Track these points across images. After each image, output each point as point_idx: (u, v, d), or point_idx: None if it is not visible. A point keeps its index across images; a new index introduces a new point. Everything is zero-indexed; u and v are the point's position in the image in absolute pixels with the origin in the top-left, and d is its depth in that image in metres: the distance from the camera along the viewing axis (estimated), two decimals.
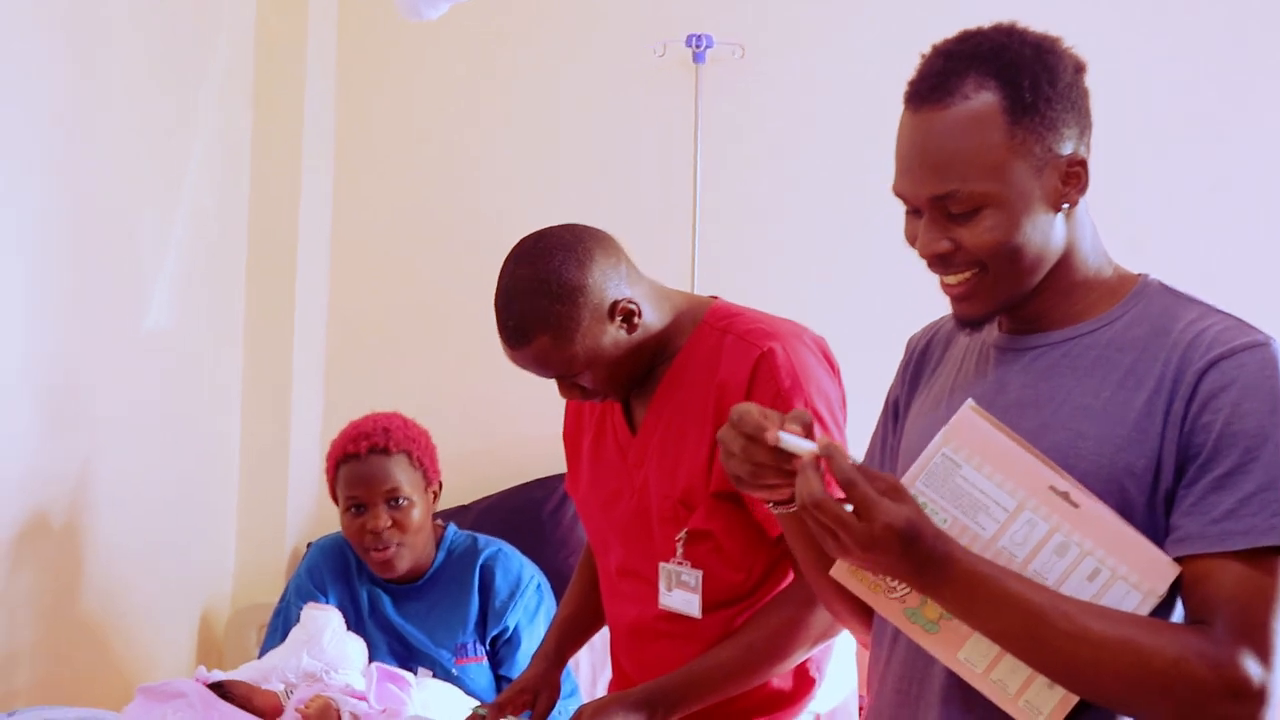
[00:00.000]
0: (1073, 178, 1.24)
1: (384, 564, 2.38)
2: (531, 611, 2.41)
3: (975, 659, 1.22)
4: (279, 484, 3.16)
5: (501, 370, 1.91)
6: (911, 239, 1.27)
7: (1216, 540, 1.15)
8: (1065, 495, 1.19)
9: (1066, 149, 1.23)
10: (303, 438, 3.19)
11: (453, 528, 2.50)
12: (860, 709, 1.84)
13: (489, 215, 3.18)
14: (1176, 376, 1.19)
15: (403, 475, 2.37)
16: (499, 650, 2.41)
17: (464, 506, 3.08)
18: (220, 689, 2.11)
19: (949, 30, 1.29)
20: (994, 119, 1.21)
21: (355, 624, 2.37)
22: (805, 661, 1.74)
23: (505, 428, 3.16)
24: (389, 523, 2.35)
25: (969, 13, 1.45)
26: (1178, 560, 1.17)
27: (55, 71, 2.47)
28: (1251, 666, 1.12)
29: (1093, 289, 1.28)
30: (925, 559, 1.15)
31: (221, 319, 3.10)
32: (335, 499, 2.43)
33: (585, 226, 1.75)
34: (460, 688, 2.31)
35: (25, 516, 2.44)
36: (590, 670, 2.74)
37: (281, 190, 3.16)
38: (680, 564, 1.73)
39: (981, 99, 1.21)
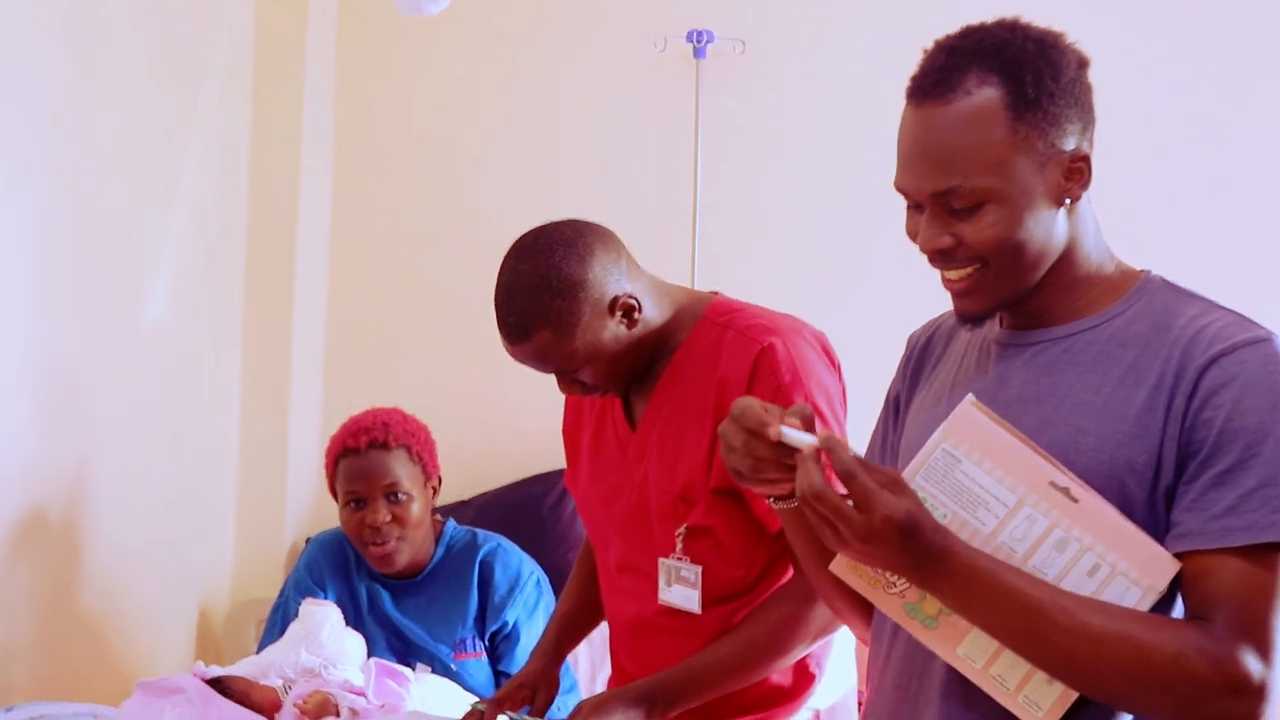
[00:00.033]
0: (1075, 173, 1.23)
1: (383, 559, 2.37)
2: (530, 607, 2.41)
3: (974, 654, 1.21)
4: (278, 479, 3.16)
5: (501, 366, 1.91)
6: (913, 234, 1.27)
7: (1217, 536, 1.15)
8: (1065, 491, 1.19)
9: (1069, 144, 1.23)
10: (301, 433, 3.19)
11: (452, 523, 2.50)
12: (859, 705, 1.84)
13: (488, 211, 3.18)
14: (1178, 372, 1.19)
15: (402, 470, 2.36)
16: (498, 646, 2.40)
17: (463, 502, 3.08)
18: (219, 684, 2.10)
19: (950, 26, 1.29)
20: (996, 114, 1.20)
21: (354, 619, 2.37)
22: (805, 657, 1.74)
23: (505, 423, 3.16)
24: (388, 517, 2.35)
25: (970, 9, 1.45)
26: (1178, 556, 1.17)
27: (55, 71, 2.47)
28: (1251, 663, 1.12)
29: (1095, 285, 1.27)
30: (924, 552, 1.15)
31: (221, 316, 3.10)
32: (334, 494, 2.42)
33: (586, 222, 1.74)
34: (459, 683, 2.31)
35: (24, 512, 2.44)
36: (589, 666, 2.74)
37: (281, 188, 3.16)
38: (680, 559, 1.73)
39: (984, 94, 1.21)
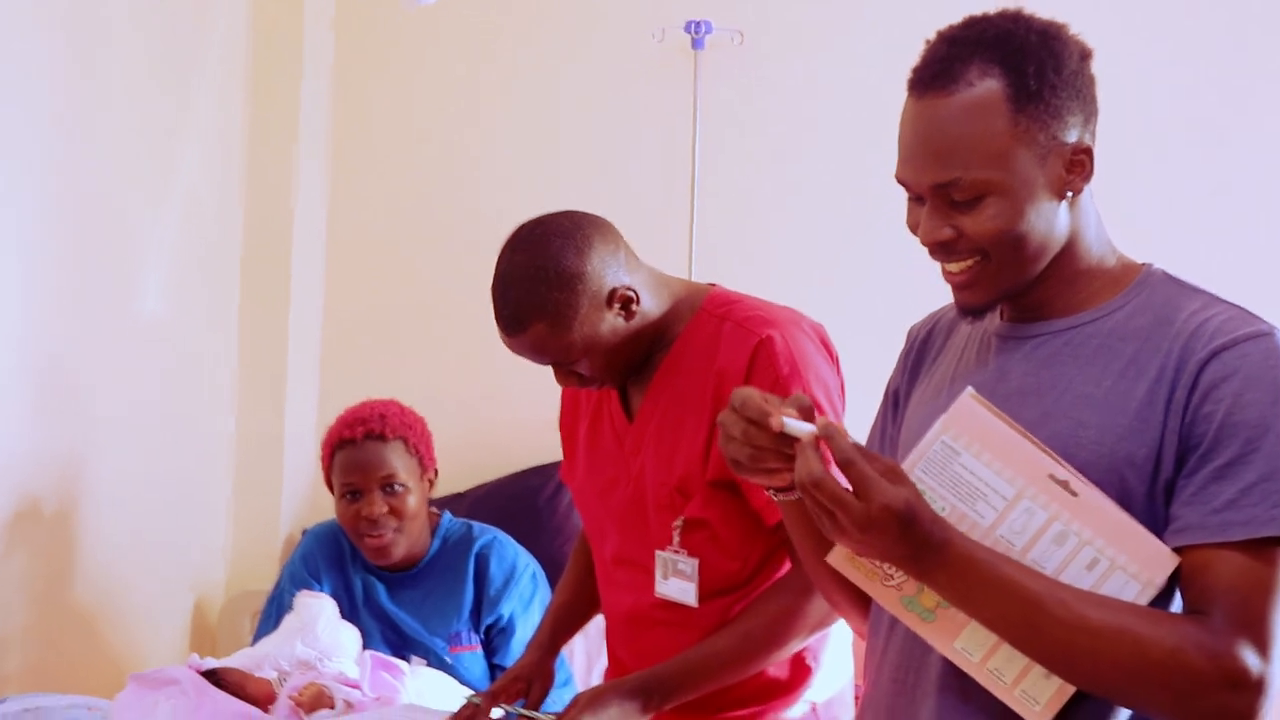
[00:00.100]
0: (1077, 166, 1.23)
1: (379, 550, 2.37)
2: (526, 600, 2.41)
3: (972, 648, 1.21)
4: (273, 471, 3.15)
5: (497, 358, 1.90)
6: (913, 226, 1.26)
7: (1217, 530, 1.15)
8: (1064, 484, 1.18)
9: (1071, 137, 1.22)
10: (298, 425, 3.18)
11: (448, 515, 2.49)
12: (856, 698, 1.84)
13: (485, 203, 3.17)
14: (1179, 366, 1.19)
15: (398, 462, 2.36)
16: (493, 639, 2.40)
17: (459, 494, 3.08)
18: (213, 676, 2.10)
19: (950, 15, 1.28)
20: (998, 106, 1.20)
21: (349, 612, 2.36)
22: (801, 650, 1.74)
23: (501, 415, 3.15)
24: (384, 509, 2.34)
25: (969, 0, 1.44)
26: (1177, 550, 1.17)
27: (52, 65, 2.46)
28: (1250, 658, 1.12)
29: (1096, 278, 1.27)
30: (922, 543, 1.15)
31: (217, 309, 3.09)
32: (330, 486, 2.42)
33: (584, 213, 1.74)
34: (454, 676, 2.30)
35: (19, 505, 2.44)
36: (585, 658, 2.74)
37: (277, 179, 3.16)
38: (677, 552, 1.73)
39: (985, 86, 1.20)
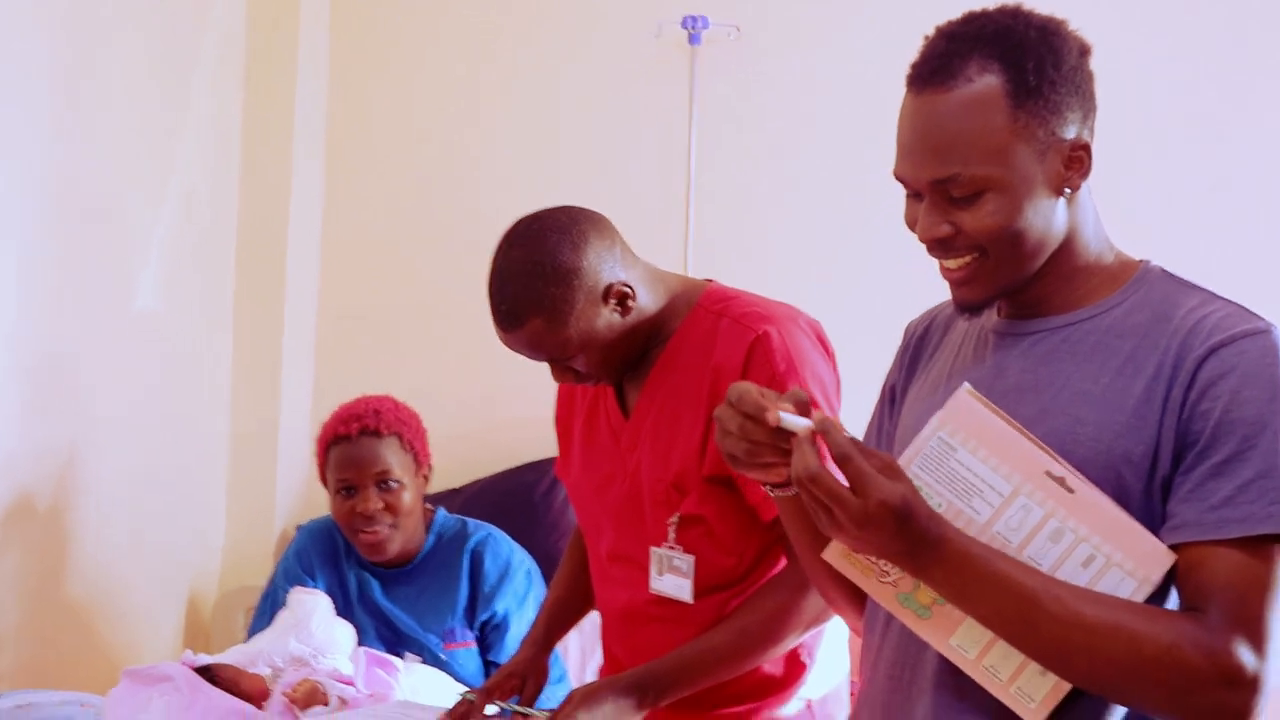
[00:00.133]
0: (1075, 162, 1.23)
1: (374, 547, 2.36)
2: (521, 596, 2.40)
3: (967, 645, 1.21)
4: (268, 466, 3.14)
5: (493, 353, 1.89)
6: (911, 222, 1.26)
7: (1213, 528, 1.15)
8: (1061, 481, 1.18)
9: (1070, 133, 1.22)
10: (292, 420, 3.18)
11: (442, 512, 2.49)
12: (851, 695, 1.84)
13: (481, 199, 3.17)
14: (1176, 363, 1.18)
15: (394, 458, 2.35)
16: (488, 635, 2.40)
17: (454, 490, 3.07)
18: (207, 673, 2.09)
19: (949, 10, 1.28)
20: (997, 102, 1.19)
21: (343, 608, 2.36)
22: (797, 647, 1.74)
23: (496, 411, 3.15)
24: (380, 505, 2.33)
25: None
26: (1173, 547, 1.17)
27: (50, 64, 2.45)
28: (1245, 655, 1.12)
29: (1094, 274, 1.27)
30: (919, 539, 1.14)
31: (212, 303, 3.08)
32: (325, 482, 2.41)
33: (580, 208, 1.73)
34: (449, 673, 2.30)
35: (11, 498, 2.43)
36: (579, 654, 2.74)
37: (272, 173, 3.15)
38: (672, 548, 1.73)
39: (985, 81, 1.20)
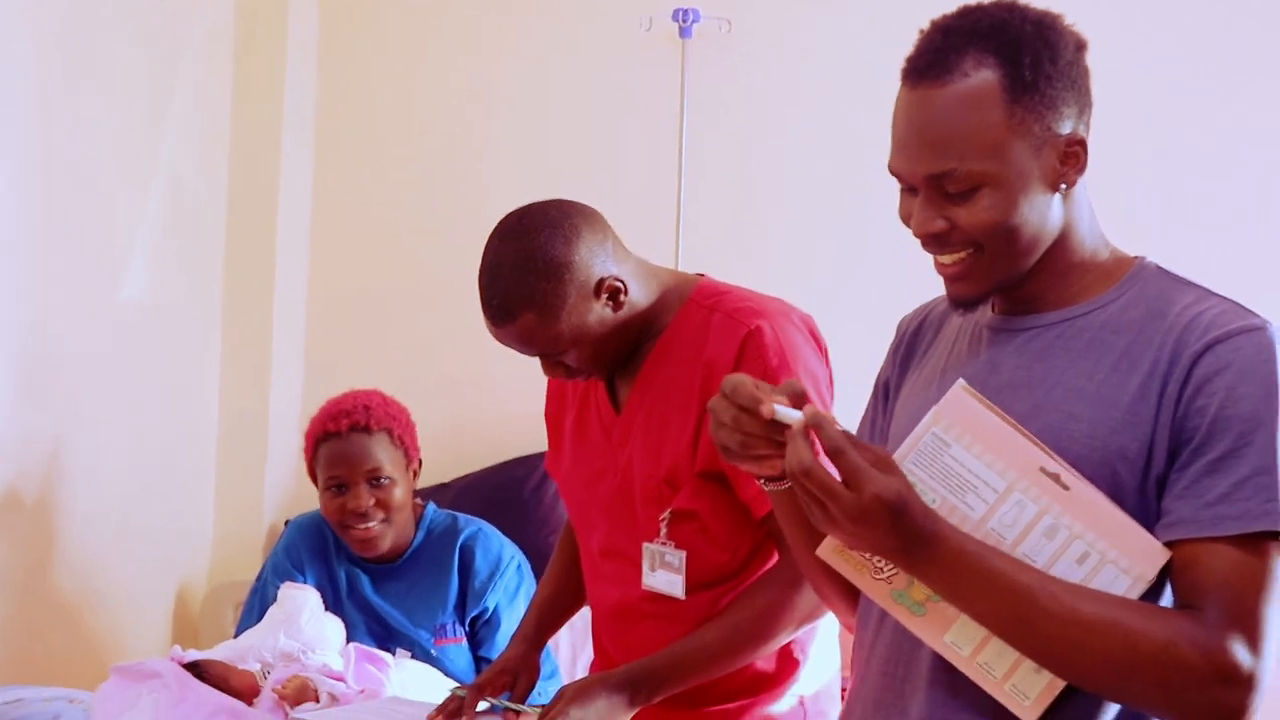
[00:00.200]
0: (1071, 157, 1.22)
1: (365, 543, 2.35)
2: (511, 592, 2.39)
3: (962, 642, 1.20)
4: (257, 460, 3.13)
5: (483, 346, 1.89)
6: (906, 218, 1.25)
7: (1209, 525, 1.14)
8: (1056, 477, 1.17)
9: (1066, 128, 1.21)
10: (282, 413, 3.16)
11: (432, 506, 2.48)
12: (843, 691, 1.83)
13: (471, 190, 3.16)
14: (1172, 360, 1.18)
15: (384, 454, 2.34)
16: (478, 631, 2.39)
17: (443, 484, 3.07)
18: (196, 669, 2.08)
19: (940, 4, 1.27)
20: (993, 97, 1.19)
21: (333, 604, 2.35)
22: (789, 644, 1.73)
23: (486, 405, 3.14)
24: (371, 502, 2.32)
25: None
26: (1168, 544, 1.16)
27: (36, 50, 2.43)
28: (1241, 653, 1.11)
29: (1089, 271, 1.26)
30: (913, 535, 1.14)
31: (200, 293, 3.07)
32: (313, 478, 2.40)
33: (572, 202, 1.72)
34: (439, 669, 2.29)
35: None
36: (570, 650, 2.73)
37: (262, 165, 3.14)
38: (664, 544, 1.72)
39: (981, 76, 1.19)
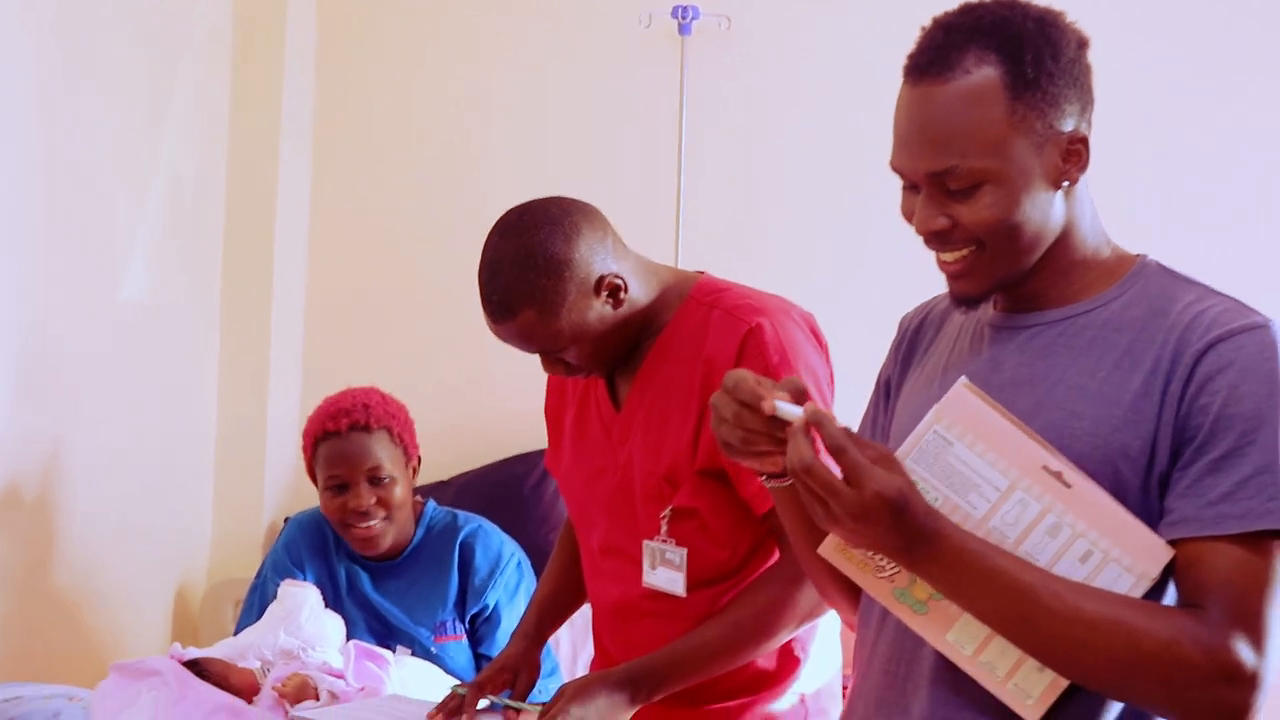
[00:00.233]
0: (1073, 155, 1.22)
1: (367, 541, 2.35)
2: (511, 589, 2.39)
3: (964, 641, 1.20)
4: (256, 457, 3.13)
5: (483, 344, 1.88)
6: (908, 215, 1.25)
7: (1211, 523, 1.14)
8: (1058, 475, 1.17)
9: (1068, 126, 1.21)
10: (280, 412, 3.16)
11: (432, 504, 2.47)
12: (844, 689, 1.83)
13: (469, 188, 3.16)
14: (1174, 358, 1.18)
15: (384, 452, 2.33)
16: (478, 628, 2.39)
17: (443, 482, 3.06)
18: (196, 666, 2.08)
19: (943, 1, 1.26)
20: (995, 94, 1.18)
21: (333, 601, 2.35)
22: (790, 641, 1.73)
23: (486, 402, 3.14)
24: (373, 500, 2.32)
25: None
26: (1171, 543, 1.16)
27: (36, 51, 2.43)
28: (1244, 651, 1.11)
29: (1091, 268, 1.26)
30: (915, 533, 1.14)
31: (199, 292, 3.07)
32: (313, 477, 2.39)
33: (571, 199, 1.72)
34: (439, 666, 2.29)
35: None
36: (570, 648, 2.73)
37: (260, 166, 3.14)
38: (665, 542, 1.72)
39: (982, 73, 1.19)
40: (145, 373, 2.84)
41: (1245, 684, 1.11)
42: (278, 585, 2.30)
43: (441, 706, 1.82)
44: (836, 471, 1.14)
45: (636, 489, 1.75)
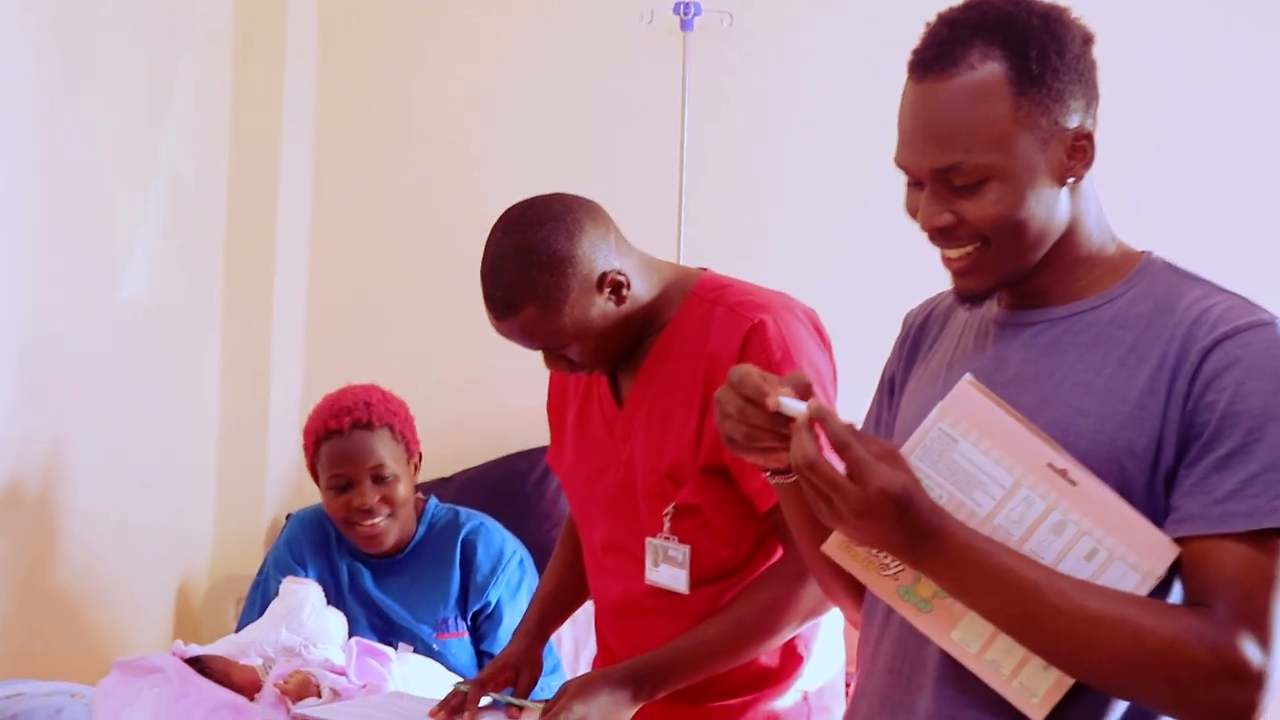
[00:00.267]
0: (1078, 151, 1.21)
1: (371, 539, 2.35)
2: (514, 586, 2.39)
3: (969, 639, 1.20)
4: (258, 454, 3.13)
5: (484, 341, 1.88)
6: (912, 211, 1.25)
7: (1218, 521, 1.14)
8: (1064, 473, 1.17)
9: (1073, 122, 1.21)
10: (282, 409, 3.16)
11: (434, 501, 2.47)
12: (848, 687, 1.83)
13: (471, 185, 3.15)
14: (1180, 355, 1.17)
15: (386, 450, 2.33)
16: (480, 625, 2.38)
17: (445, 479, 3.06)
18: (197, 664, 2.08)
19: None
20: (1000, 90, 1.18)
21: (335, 598, 2.34)
22: (793, 639, 1.72)
23: (488, 399, 3.14)
24: (376, 498, 2.32)
25: None
26: (1177, 541, 1.16)
27: (37, 50, 2.42)
28: (1250, 650, 1.11)
29: (1096, 265, 1.25)
30: (920, 530, 1.13)
31: (201, 290, 3.07)
32: (314, 476, 2.39)
33: (574, 196, 1.71)
34: (441, 663, 2.29)
35: (1, 487, 2.41)
36: (573, 645, 2.73)
37: (261, 164, 3.13)
38: (667, 539, 1.71)
39: (987, 69, 1.18)
40: (146, 372, 2.84)
41: (1251, 682, 1.11)
42: (279, 582, 2.30)
43: (444, 704, 1.82)
44: (841, 468, 1.14)
45: (639, 486, 1.75)
